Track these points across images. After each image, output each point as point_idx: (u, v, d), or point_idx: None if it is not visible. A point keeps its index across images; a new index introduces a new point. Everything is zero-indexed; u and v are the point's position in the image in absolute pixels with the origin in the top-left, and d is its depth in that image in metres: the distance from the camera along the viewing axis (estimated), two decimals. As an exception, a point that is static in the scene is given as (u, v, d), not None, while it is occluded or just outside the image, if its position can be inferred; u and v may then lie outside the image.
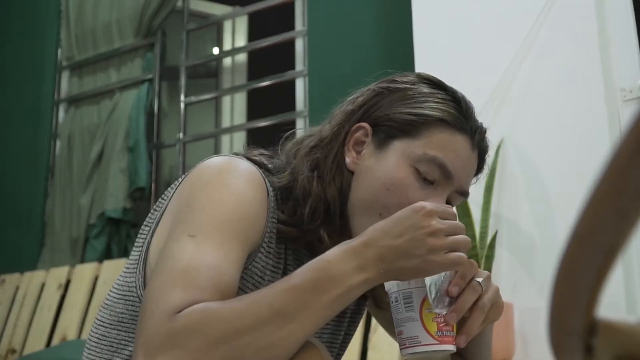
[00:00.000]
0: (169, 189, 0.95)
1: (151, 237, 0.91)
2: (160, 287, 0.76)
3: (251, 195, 0.87)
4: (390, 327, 1.16)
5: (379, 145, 0.93)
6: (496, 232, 2.05)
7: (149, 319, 0.73)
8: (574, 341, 0.34)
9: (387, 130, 0.93)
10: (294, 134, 1.04)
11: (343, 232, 0.93)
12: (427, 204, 0.82)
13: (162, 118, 3.60)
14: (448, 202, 0.93)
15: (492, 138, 2.19)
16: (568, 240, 0.32)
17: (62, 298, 3.11)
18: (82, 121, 3.68)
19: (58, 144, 3.78)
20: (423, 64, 2.40)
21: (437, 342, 0.84)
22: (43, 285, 3.22)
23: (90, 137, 3.61)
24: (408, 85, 0.95)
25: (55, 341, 2.96)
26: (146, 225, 0.95)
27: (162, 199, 0.95)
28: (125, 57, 3.65)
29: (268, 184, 0.92)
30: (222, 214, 0.83)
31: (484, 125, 0.98)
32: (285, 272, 0.94)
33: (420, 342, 0.84)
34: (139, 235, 0.96)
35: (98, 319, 0.96)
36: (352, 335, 1.13)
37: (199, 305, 0.73)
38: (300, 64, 3.15)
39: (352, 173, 0.93)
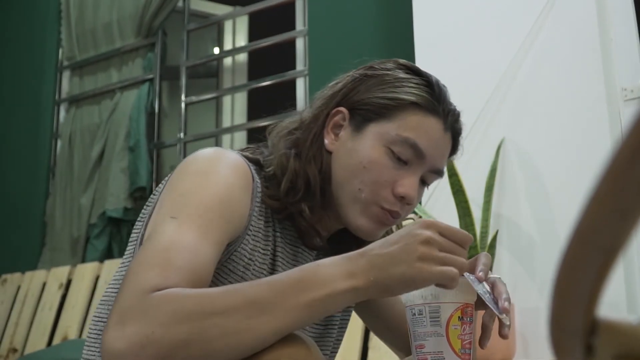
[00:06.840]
0: (161, 183, 0.98)
1: (144, 229, 0.93)
2: (141, 265, 0.78)
3: (234, 181, 0.91)
4: (382, 329, 1.17)
5: (356, 128, 0.98)
6: (497, 232, 2.05)
7: (126, 292, 0.76)
8: (574, 341, 0.34)
9: (364, 114, 0.98)
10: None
11: (325, 207, 0.99)
12: (431, 220, 0.81)
13: (162, 118, 3.60)
14: (423, 181, 0.99)
15: (492, 138, 2.21)
16: (569, 240, 0.32)
17: (63, 298, 3.12)
18: (83, 121, 3.68)
19: (59, 143, 3.78)
20: (424, 64, 2.39)
21: None
22: (44, 284, 3.23)
23: (91, 137, 3.61)
24: (385, 72, 1.00)
25: (57, 340, 2.97)
26: (139, 220, 0.98)
27: (154, 194, 0.98)
28: (126, 57, 3.65)
29: (254, 172, 0.96)
30: (204, 197, 0.86)
31: (458, 109, 1.02)
32: (274, 255, 0.98)
33: (444, 359, 0.83)
34: (133, 230, 0.99)
35: (96, 316, 0.98)
36: (341, 341, 1.15)
37: (176, 289, 0.75)
38: (300, 63, 3.15)
39: (330, 154, 1.00)
